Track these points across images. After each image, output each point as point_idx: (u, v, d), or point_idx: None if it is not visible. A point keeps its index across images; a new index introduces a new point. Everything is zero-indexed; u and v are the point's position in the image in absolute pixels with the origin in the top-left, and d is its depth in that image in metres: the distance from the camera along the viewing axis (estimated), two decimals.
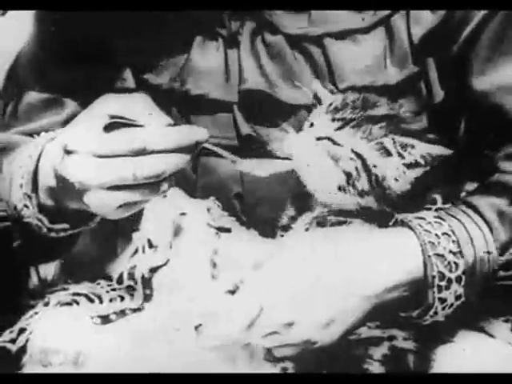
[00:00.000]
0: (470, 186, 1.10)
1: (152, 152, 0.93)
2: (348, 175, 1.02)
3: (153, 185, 0.95)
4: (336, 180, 1.02)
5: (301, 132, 1.05)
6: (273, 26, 1.11)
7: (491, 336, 1.07)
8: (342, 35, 1.09)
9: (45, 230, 1.06)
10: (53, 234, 1.07)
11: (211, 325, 1.01)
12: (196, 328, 1.02)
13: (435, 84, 1.09)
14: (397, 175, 1.03)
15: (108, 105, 0.99)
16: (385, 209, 1.03)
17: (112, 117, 0.96)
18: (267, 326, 0.99)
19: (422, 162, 1.02)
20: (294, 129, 1.05)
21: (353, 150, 1.02)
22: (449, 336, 1.05)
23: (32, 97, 1.17)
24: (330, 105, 1.04)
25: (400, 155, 1.02)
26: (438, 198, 1.11)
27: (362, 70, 1.09)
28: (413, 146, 1.02)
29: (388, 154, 1.03)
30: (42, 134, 1.07)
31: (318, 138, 1.03)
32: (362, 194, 1.02)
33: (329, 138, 1.02)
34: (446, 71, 1.09)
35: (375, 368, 1.02)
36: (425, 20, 1.08)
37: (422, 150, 1.02)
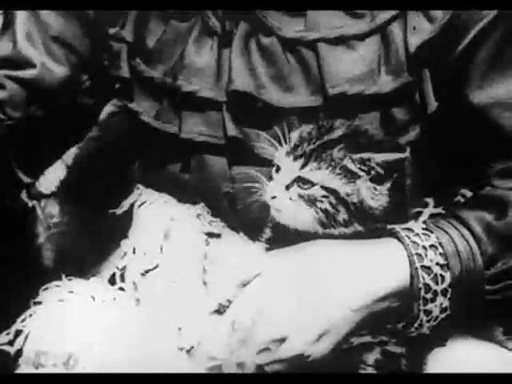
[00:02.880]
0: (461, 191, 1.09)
1: None
2: (326, 213, 1.00)
3: None
4: (315, 221, 1.01)
5: (271, 182, 1.02)
6: (267, 27, 1.09)
7: (484, 339, 1.06)
8: (336, 41, 1.07)
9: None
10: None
11: (202, 347, 1.01)
12: (188, 351, 1.02)
13: (429, 94, 1.07)
14: (371, 194, 1.01)
15: None
16: (375, 226, 1.02)
17: None
18: (258, 343, 0.99)
19: (383, 172, 1.00)
20: (265, 178, 1.03)
21: (323, 187, 1.00)
22: (441, 340, 1.04)
23: None
24: (289, 144, 1.02)
25: (363, 172, 1.00)
26: (430, 201, 1.10)
27: (354, 76, 1.06)
28: (369, 160, 1.00)
29: (354, 176, 1.00)
30: None
31: (288, 186, 1.01)
32: (346, 224, 1.01)
33: (297, 180, 1.00)
34: (441, 82, 1.07)
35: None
36: (422, 29, 1.06)
37: (379, 159, 1.00)
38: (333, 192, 1.00)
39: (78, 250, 1.23)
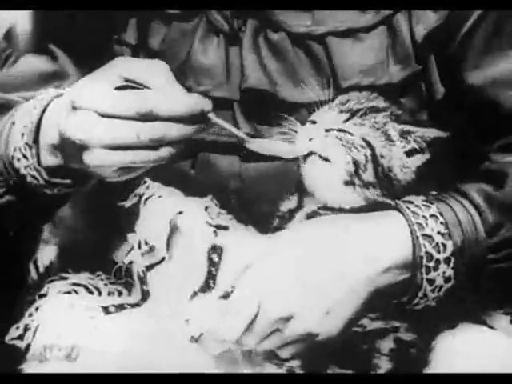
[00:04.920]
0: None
1: (158, 116, 0.94)
2: (357, 165, 1.02)
3: (154, 149, 0.95)
4: (343, 173, 1.02)
5: (306, 124, 1.05)
6: (276, 23, 1.10)
7: (491, 328, 1.07)
8: (345, 34, 1.09)
9: (41, 181, 1.04)
10: (47, 190, 1.06)
11: (210, 333, 1.01)
12: (197, 340, 1.02)
13: (436, 81, 1.10)
14: (401, 165, 1.03)
15: (124, 67, 0.98)
16: (386, 201, 1.03)
17: (126, 79, 0.97)
18: (266, 325, 0.99)
19: (418, 147, 1.03)
20: (298, 123, 1.05)
21: (363, 139, 1.02)
22: (448, 327, 1.05)
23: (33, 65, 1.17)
24: (333, 102, 1.05)
25: (401, 143, 1.03)
26: None
27: (364, 68, 1.09)
28: (409, 133, 1.03)
29: (391, 142, 1.03)
30: (51, 89, 1.07)
31: (327, 130, 1.03)
32: (367, 185, 1.02)
33: (339, 129, 1.03)
34: (445, 68, 1.09)
35: (383, 364, 1.03)
36: (427, 19, 1.08)
37: (418, 134, 1.03)
38: (370, 146, 1.02)
39: (84, 244, 1.23)
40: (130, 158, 0.96)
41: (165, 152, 0.96)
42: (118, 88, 0.97)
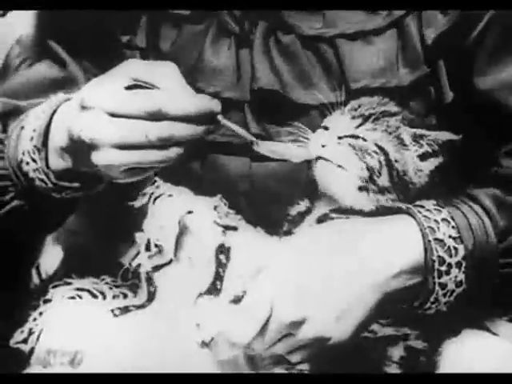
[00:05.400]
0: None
1: (166, 116, 0.94)
2: (371, 171, 1.02)
3: (162, 149, 0.95)
4: (357, 178, 1.02)
5: (318, 130, 1.05)
6: (286, 26, 1.10)
7: (495, 334, 1.07)
8: (355, 36, 1.09)
9: (50, 185, 1.04)
10: (55, 194, 1.05)
11: (221, 337, 1.01)
12: (207, 344, 1.01)
13: (445, 85, 1.10)
14: (415, 168, 1.04)
15: (133, 69, 0.98)
16: (398, 206, 1.03)
17: (135, 80, 0.97)
18: (278, 329, 0.99)
19: (431, 150, 1.04)
20: (310, 130, 1.06)
21: (376, 144, 1.02)
22: (454, 333, 1.05)
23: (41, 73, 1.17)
24: (345, 107, 1.05)
25: (414, 146, 1.04)
26: None
27: (374, 71, 1.09)
28: (422, 136, 1.04)
29: (405, 146, 1.03)
30: (60, 93, 1.06)
31: (340, 137, 1.03)
32: (382, 190, 1.03)
33: (351, 135, 1.03)
34: (454, 72, 1.10)
35: (393, 371, 1.02)
36: (437, 22, 1.09)
37: (431, 138, 1.04)
38: (383, 151, 1.02)
39: (89, 247, 1.21)
40: (138, 157, 0.96)
41: (172, 152, 0.96)
42: (128, 88, 0.97)
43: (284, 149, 1.05)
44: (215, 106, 0.97)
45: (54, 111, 1.04)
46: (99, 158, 0.96)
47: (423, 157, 1.04)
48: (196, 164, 1.13)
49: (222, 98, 1.09)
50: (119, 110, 0.95)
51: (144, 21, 1.15)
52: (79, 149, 0.98)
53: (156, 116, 0.94)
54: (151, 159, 0.96)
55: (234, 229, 1.10)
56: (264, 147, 1.04)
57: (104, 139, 0.95)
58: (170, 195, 1.11)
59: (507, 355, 1.05)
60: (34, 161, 1.04)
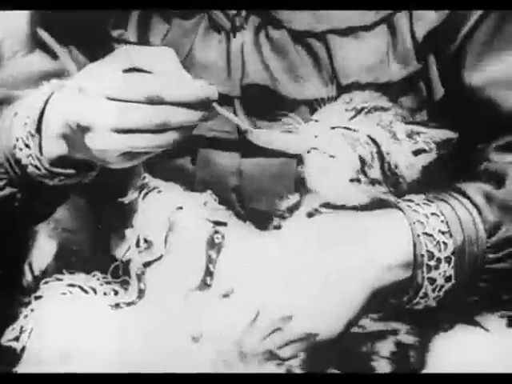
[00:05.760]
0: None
1: (163, 100, 0.94)
2: (363, 162, 1.02)
3: (158, 133, 0.95)
4: (349, 170, 1.02)
5: (310, 122, 1.05)
6: (277, 21, 1.11)
7: (487, 330, 1.07)
8: (345, 32, 1.10)
9: (43, 171, 1.04)
10: (47, 181, 1.05)
11: (209, 332, 1.01)
12: (197, 339, 1.01)
13: (436, 81, 1.10)
14: (407, 163, 1.03)
15: (130, 54, 0.98)
16: (388, 200, 1.03)
17: (133, 64, 0.97)
18: (267, 324, 0.99)
19: (427, 147, 1.04)
20: (302, 120, 1.06)
21: (369, 136, 1.02)
22: (445, 329, 1.05)
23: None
24: (336, 100, 1.06)
25: (408, 142, 1.04)
26: None
27: (365, 66, 1.09)
28: (418, 133, 1.04)
29: (397, 140, 1.04)
30: (54, 80, 1.06)
31: (333, 127, 1.03)
32: (374, 183, 1.02)
33: (344, 127, 1.03)
34: (445, 68, 1.10)
35: (382, 366, 1.02)
36: (428, 18, 1.09)
37: (427, 135, 1.04)
38: (376, 143, 1.02)
39: (80, 243, 1.21)
40: (134, 141, 0.95)
41: (169, 137, 0.96)
42: (125, 72, 0.96)
43: (279, 138, 1.05)
44: (212, 93, 0.97)
45: (49, 97, 1.03)
46: (95, 142, 0.96)
47: (417, 152, 1.04)
48: (186, 160, 1.13)
49: None
50: (116, 93, 0.95)
51: (135, 15, 1.15)
52: (74, 133, 0.98)
53: (153, 100, 0.94)
54: (147, 143, 0.95)
55: (224, 224, 1.10)
56: (258, 136, 1.04)
57: (101, 123, 0.95)
58: (159, 191, 1.12)
59: (498, 351, 1.05)
60: (27, 146, 1.04)
